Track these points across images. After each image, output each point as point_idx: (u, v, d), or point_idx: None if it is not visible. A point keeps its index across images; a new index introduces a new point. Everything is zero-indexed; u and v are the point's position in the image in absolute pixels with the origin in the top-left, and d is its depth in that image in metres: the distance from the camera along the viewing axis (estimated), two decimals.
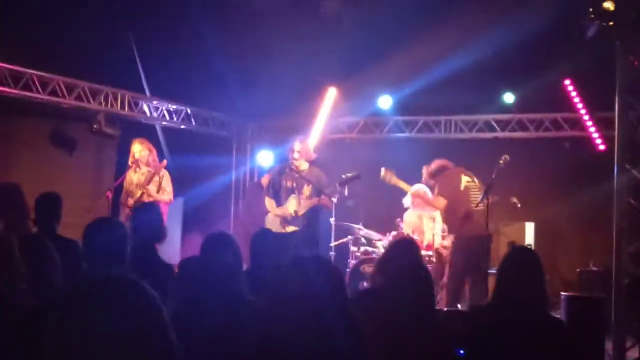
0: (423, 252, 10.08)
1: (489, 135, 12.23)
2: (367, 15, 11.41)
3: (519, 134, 12.12)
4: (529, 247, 9.14)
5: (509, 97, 12.00)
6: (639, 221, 9.11)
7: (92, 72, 10.79)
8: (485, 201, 9.00)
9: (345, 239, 10.79)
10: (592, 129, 11.42)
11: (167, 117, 12.25)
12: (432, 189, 9.95)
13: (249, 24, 11.65)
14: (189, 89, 12.03)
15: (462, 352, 4.95)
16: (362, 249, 10.79)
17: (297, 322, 2.60)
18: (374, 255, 10.42)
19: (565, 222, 12.11)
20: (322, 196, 9.82)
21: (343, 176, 9.77)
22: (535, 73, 11.18)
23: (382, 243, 10.52)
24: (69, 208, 6.34)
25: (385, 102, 12.55)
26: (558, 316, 7.22)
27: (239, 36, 11.70)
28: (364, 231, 10.80)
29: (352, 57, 11.65)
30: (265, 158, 12.73)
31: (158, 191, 9.80)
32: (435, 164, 9.79)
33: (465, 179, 9.48)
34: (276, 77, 11.84)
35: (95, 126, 10.85)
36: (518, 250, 4.74)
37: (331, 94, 12.87)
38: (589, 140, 11.46)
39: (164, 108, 12.14)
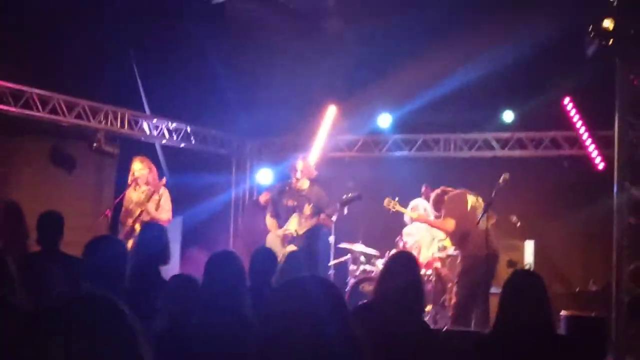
0: (422, 271, 10.08)
1: (488, 153, 12.22)
2: (368, 34, 11.45)
3: (518, 153, 12.11)
4: (529, 269, 9.14)
5: (508, 116, 12.00)
6: (639, 240, 9.10)
7: (92, 91, 10.81)
8: (485, 220, 9.00)
9: (344, 258, 10.78)
10: (592, 148, 11.41)
11: (167, 136, 12.25)
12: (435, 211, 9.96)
13: (249, 42, 11.69)
14: (189, 107, 12.03)
15: None
16: (362, 267, 10.78)
17: (296, 339, 2.59)
18: (372, 274, 10.40)
19: (565, 241, 12.08)
20: (322, 215, 9.81)
21: (344, 197, 9.78)
22: (535, 91, 11.21)
23: (381, 261, 10.50)
24: (69, 226, 6.33)
25: (384, 120, 12.55)
26: None
27: (239, 54, 11.74)
28: (362, 249, 10.78)
29: (352, 76, 11.69)
30: (264, 176, 12.73)
31: (157, 209, 9.78)
32: (434, 193, 9.84)
33: (471, 199, 9.48)
34: (276, 95, 11.87)
35: (95, 144, 10.85)
36: (519, 275, 4.69)
37: (331, 112, 12.87)
38: (588, 158, 11.45)
39: (163, 126, 12.15)
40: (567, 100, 11.50)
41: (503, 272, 9.74)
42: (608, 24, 8.59)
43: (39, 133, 11.11)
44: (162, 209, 9.83)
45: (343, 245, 10.68)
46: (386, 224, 11.11)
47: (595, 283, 11.11)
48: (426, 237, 10.63)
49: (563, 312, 8.40)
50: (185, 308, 4.28)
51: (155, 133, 12.02)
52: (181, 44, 11.42)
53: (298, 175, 9.96)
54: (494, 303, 9.12)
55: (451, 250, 10.34)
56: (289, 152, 12.55)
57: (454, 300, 9.43)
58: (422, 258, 10.37)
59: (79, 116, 10.72)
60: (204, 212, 12.39)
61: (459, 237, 9.48)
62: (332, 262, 10.25)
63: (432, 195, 9.87)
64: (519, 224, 10.62)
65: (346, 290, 10.28)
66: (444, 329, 8.02)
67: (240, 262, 4.38)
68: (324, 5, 11.62)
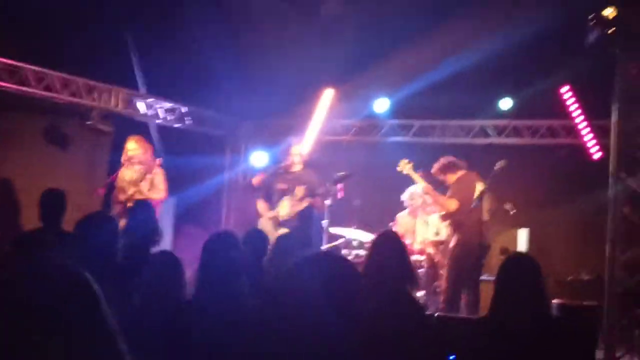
0: (415, 257, 10.07)
1: (484, 140, 12.20)
2: (365, 18, 11.39)
3: (514, 140, 12.09)
4: (525, 253, 9.12)
5: (505, 103, 11.96)
6: (632, 230, 9.10)
7: (88, 69, 10.74)
8: (482, 209, 8.99)
9: (337, 242, 10.74)
10: (588, 137, 11.39)
11: (162, 115, 12.19)
12: (438, 183, 9.92)
13: (246, 23, 11.63)
14: (184, 87, 11.97)
15: (453, 357, 4.92)
16: (354, 252, 10.74)
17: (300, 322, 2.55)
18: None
19: (559, 230, 12.08)
20: (313, 196, 9.79)
21: (335, 175, 9.75)
22: (533, 79, 11.17)
23: None
24: None
25: (381, 105, 12.51)
26: None
27: (236, 35, 11.67)
28: (354, 234, 10.75)
29: (350, 59, 11.62)
30: (258, 159, 12.62)
31: (150, 189, 9.77)
32: (446, 159, 9.78)
33: (479, 187, 9.44)
34: (273, 77, 11.80)
35: (89, 122, 10.80)
36: (515, 257, 4.69)
37: (328, 95, 12.81)
38: (585, 148, 11.42)
39: (158, 106, 12.09)
40: (565, 88, 11.46)
41: (496, 259, 9.74)
42: (609, 12, 8.55)
43: (33, 110, 11.05)
44: (156, 189, 9.82)
45: (334, 229, 10.64)
46: (382, 209, 11.10)
47: (588, 273, 11.10)
48: (420, 224, 10.62)
49: (554, 301, 8.38)
50: (166, 285, 4.23)
51: (150, 112, 11.96)
52: (178, 24, 11.35)
53: (296, 159, 9.91)
54: (483, 290, 9.17)
55: (444, 235, 10.32)
56: (284, 135, 12.51)
57: (444, 286, 9.44)
58: (416, 245, 10.37)
59: (73, 94, 10.65)
60: (197, 194, 12.35)
61: (457, 221, 9.43)
62: (324, 247, 10.20)
63: (444, 159, 9.82)
64: (513, 211, 10.60)
65: None
66: (436, 314, 8.00)
67: (238, 243, 4.35)
68: None
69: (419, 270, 10.05)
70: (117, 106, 11.29)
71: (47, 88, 10.28)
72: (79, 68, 10.62)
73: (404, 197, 10.71)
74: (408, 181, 10.45)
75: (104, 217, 5.21)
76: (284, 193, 9.95)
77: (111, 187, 10.09)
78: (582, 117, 11.43)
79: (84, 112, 10.87)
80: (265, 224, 9.89)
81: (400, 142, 12.65)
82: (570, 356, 4.27)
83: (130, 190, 9.72)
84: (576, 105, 11.45)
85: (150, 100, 11.93)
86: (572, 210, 11.60)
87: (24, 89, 10.01)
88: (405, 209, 10.91)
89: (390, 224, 10.68)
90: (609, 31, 8.62)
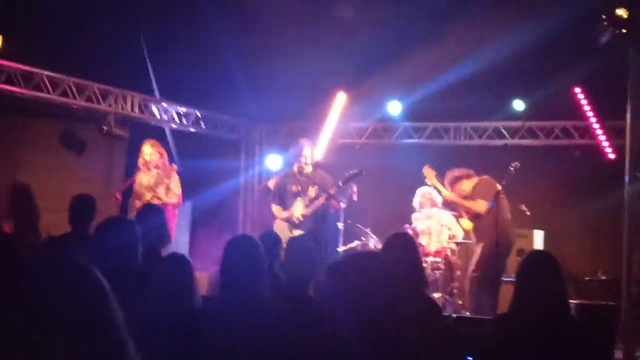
0: (431, 259, 10.09)
1: (498, 142, 12.17)
2: (379, 20, 11.40)
3: (528, 142, 12.08)
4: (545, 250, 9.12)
5: (519, 105, 11.94)
6: None
7: (103, 74, 10.79)
8: (506, 208, 9.00)
9: (353, 244, 10.74)
10: (602, 138, 11.38)
11: (177, 120, 12.25)
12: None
13: (259, 27, 11.65)
14: (199, 91, 12.03)
15: (470, 359, 4.92)
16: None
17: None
18: None
19: (574, 230, 12.06)
20: (328, 198, 9.79)
21: (346, 174, 9.76)
22: (546, 80, 11.15)
23: None
24: None
25: (394, 107, 12.52)
26: None
27: (249, 39, 11.70)
28: (372, 239, 10.75)
29: (363, 62, 11.64)
30: (273, 161, 12.68)
31: (166, 194, 9.80)
32: (459, 171, 9.82)
33: (498, 187, 9.44)
34: (286, 81, 11.83)
35: (105, 127, 10.85)
36: (535, 255, 4.70)
37: (341, 98, 12.83)
38: (599, 148, 11.41)
39: (173, 111, 12.15)
40: (578, 89, 11.45)
41: (513, 260, 9.73)
42: (622, 12, 8.54)
43: (49, 116, 11.13)
44: (172, 193, 9.85)
45: (359, 226, 10.64)
46: (396, 212, 11.09)
47: (605, 273, 11.09)
48: (435, 226, 10.61)
49: (572, 301, 8.37)
50: (177, 286, 4.24)
51: (165, 117, 12.02)
52: (192, 28, 11.39)
53: (308, 161, 9.91)
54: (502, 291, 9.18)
55: (460, 238, 10.33)
56: (298, 138, 12.52)
57: (453, 285, 9.43)
58: (432, 246, 10.36)
59: (89, 99, 10.70)
60: (213, 198, 12.40)
61: (485, 222, 9.43)
62: (340, 248, 10.21)
63: (457, 171, 9.85)
64: (528, 213, 10.59)
65: None
66: (454, 315, 8.02)
67: (259, 247, 4.36)
68: None
69: (436, 272, 10.07)
70: (133, 111, 11.35)
71: (63, 93, 10.33)
72: (94, 73, 10.68)
73: (415, 202, 10.69)
74: (422, 183, 10.46)
75: (123, 221, 5.24)
76: (296, 194, 9.95)
77: (128, 192, 10.14)
78: (595, 118, 11.42)
79: (100, 117, 10.93)
80: (280, 227, 9.89)
81: (414, 145, 12.66)
82: (588, 356, 4.27)
83: (148, 195, 9.75)
84: (589, 106, 11.44)
85: (165, 104, 11.99)
86: (587, 211, 11.59)
87: (40, 94, 10.06)
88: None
89: (405, 225, 10.67)
90: (622, 31, 8.61)
